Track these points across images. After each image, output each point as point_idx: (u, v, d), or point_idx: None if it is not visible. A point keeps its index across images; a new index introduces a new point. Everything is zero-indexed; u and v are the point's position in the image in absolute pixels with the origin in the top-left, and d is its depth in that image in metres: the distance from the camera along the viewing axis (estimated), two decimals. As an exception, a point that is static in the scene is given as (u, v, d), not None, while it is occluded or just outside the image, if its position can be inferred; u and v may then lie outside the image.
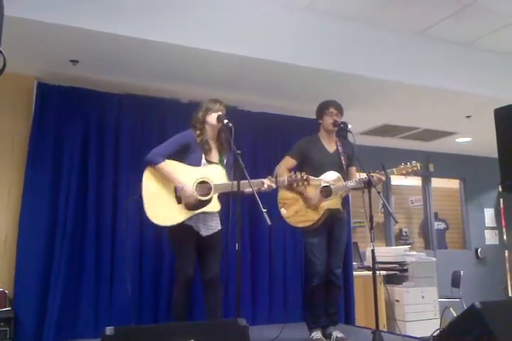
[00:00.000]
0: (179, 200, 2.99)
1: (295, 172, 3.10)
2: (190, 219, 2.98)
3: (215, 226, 3.09)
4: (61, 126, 3.92)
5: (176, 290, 3.02)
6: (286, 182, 3.10)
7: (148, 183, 3.03)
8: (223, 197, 3.05)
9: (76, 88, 4.01)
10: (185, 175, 3.00)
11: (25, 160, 3.77)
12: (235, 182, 2.84)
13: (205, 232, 3.04)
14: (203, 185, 3.01)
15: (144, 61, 3.78)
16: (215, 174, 3.05)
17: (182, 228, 2.97)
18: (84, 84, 4.03)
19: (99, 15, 3.27)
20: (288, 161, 3.44)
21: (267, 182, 3.04)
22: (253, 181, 2.90)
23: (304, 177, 3.07)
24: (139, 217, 3.88)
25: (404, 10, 3.91)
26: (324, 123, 3.48)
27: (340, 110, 3.46)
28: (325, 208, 3.27)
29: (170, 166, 3.02)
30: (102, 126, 4.06)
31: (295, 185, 3.09)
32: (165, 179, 3.01)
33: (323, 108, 3.49)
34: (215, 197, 3.02)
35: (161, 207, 2.99)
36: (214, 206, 3.02)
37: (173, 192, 3.01)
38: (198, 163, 3.08)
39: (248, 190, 2.91)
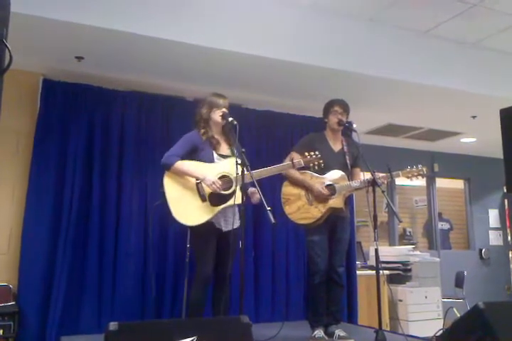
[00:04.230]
0: (203, 199, 3.01)
1: (309, 153, 3.12)
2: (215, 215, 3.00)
3: (234, 222, 3.06)
4: (66, 123, 3.92)
5: (195, 290, 3.03)
6: (302, 163, 3.13)
7: (170, 187, 3.05)
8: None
9: (81, 85, 4.02)
10: (204, 172, 3.03)
11: (30, 157, 3.78)
12: (257, 171, 2.90)
13: (225, 227, 3.06)
14: (224, 179, 3.03)
15: (150, 58, 3.79)
16: (234, 166, 3.03)
17: (205, 225, 2.98)
18: (90, 81, 4.04)
19: (105, 12, 3.28)
20: (294, 157, 3.43)
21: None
22: (272, 167, 3.04)
23: (319, 156, 3.10)
24: (144, 213, 3.93)
25: (409, 10, 3.90)
26: (329, 122, 3.48)
27: (345, 109, 3.45)
28: (327, 207, 3.27)
29: (186, 165, 3.05)
30: (107, 122, 4.06)
31: (311, 164, 3.12)
32: (185, 179, 3.04)
33: (328, 106, 3.49)
34: (238, 189, 3.02)
35: (186, 207, 3.00)
36: (238, 198, 2.99)
37: (196, 191, 3.02)
38: (210, 159, 3.10)
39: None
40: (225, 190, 3.01)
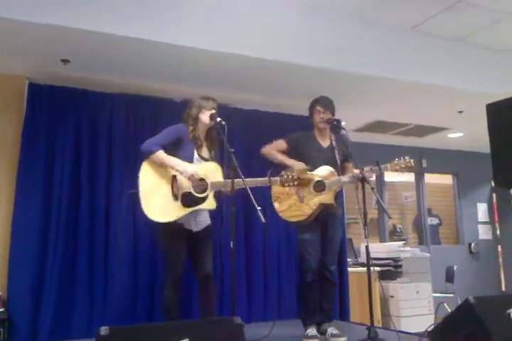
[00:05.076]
0: (175, 197, 2.99)
1: (286, 173, 3.10)
2: (182, 216, 2.97)
3: (205, 221, 3.11)
4: (53, 127, 3.89)
5: (167, 290, 3.03)
6: (278, 183, 3.11)
7: (146, 178, 3.02)
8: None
9: (68, 88, 3.98)
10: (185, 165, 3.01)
11: (17, 162, 3.74)
12: (229, 181, 2.86)
13: (195, 228, 3.06)
14: (200, 182, 3.01)
15: (137, 60, 3.76)
16: (212, 171, 3.05)
17: (173, 226, 2.96)
18: (76, 84, 4.00)
19: (90, 14, 3.24)
20: (280, 144, 3.47)
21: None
22: (249, 180, 2.94)
23: (295, 178, 3.06)
24: (133, 216, 3.90)
25: (396, 6, 3.91)
26: (314, 121, 3.49)
27: (327, 107, 3.44)
28: (318, 203, 3.27)
29: (167, 156, 3.02)
30: (95, 125, 4.03)
31: (287, 185, 3.10)
32: (163, 171, 3.01)
33: (311, 106, 3.52)
34: (211, 195, 3.02)
35: (157, 202, 2.97)
36: (210, 204, 3.02)
37: (170, 188, 3.00)
38: (190, 156, 3.08)
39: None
40: (199, 192, 2.99)
